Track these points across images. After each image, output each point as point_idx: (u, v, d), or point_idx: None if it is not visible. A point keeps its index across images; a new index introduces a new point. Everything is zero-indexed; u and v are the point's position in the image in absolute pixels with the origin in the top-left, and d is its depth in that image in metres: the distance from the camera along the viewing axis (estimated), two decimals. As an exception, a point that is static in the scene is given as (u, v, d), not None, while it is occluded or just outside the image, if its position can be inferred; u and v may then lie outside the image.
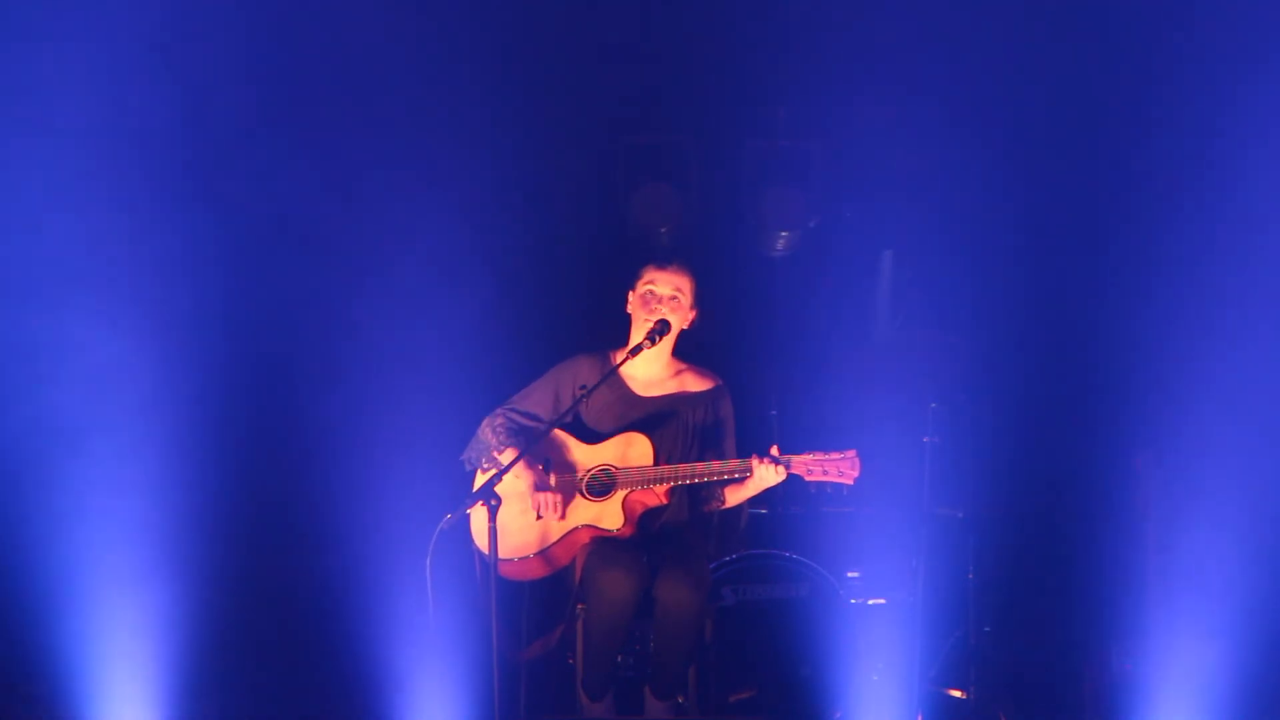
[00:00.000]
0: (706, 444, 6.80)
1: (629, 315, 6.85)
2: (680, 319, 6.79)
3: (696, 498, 6.80)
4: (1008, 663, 7.60)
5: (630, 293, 6.85)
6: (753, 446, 6.82)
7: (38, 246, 7.38)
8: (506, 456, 6.66)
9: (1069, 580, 7.74)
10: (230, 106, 7.59)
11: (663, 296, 6.77)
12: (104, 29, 7.35)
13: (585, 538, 6.65)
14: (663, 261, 6.83)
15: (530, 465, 6.64)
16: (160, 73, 7.46)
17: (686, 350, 6.91)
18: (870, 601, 7.39)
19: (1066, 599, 7.73)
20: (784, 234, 8.16)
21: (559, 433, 6.72)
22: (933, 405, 7.37)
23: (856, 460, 6.56)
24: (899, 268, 8.09)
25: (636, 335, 6.78)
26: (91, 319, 7.38)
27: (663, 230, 8.07)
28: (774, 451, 6.58)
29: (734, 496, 6.78)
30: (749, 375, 7.63)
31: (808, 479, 6.59)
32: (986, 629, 7.53)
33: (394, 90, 7.70)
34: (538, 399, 6.80)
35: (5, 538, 7.27)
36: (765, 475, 6.57)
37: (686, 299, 6.79)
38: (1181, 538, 7.27)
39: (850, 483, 6.57)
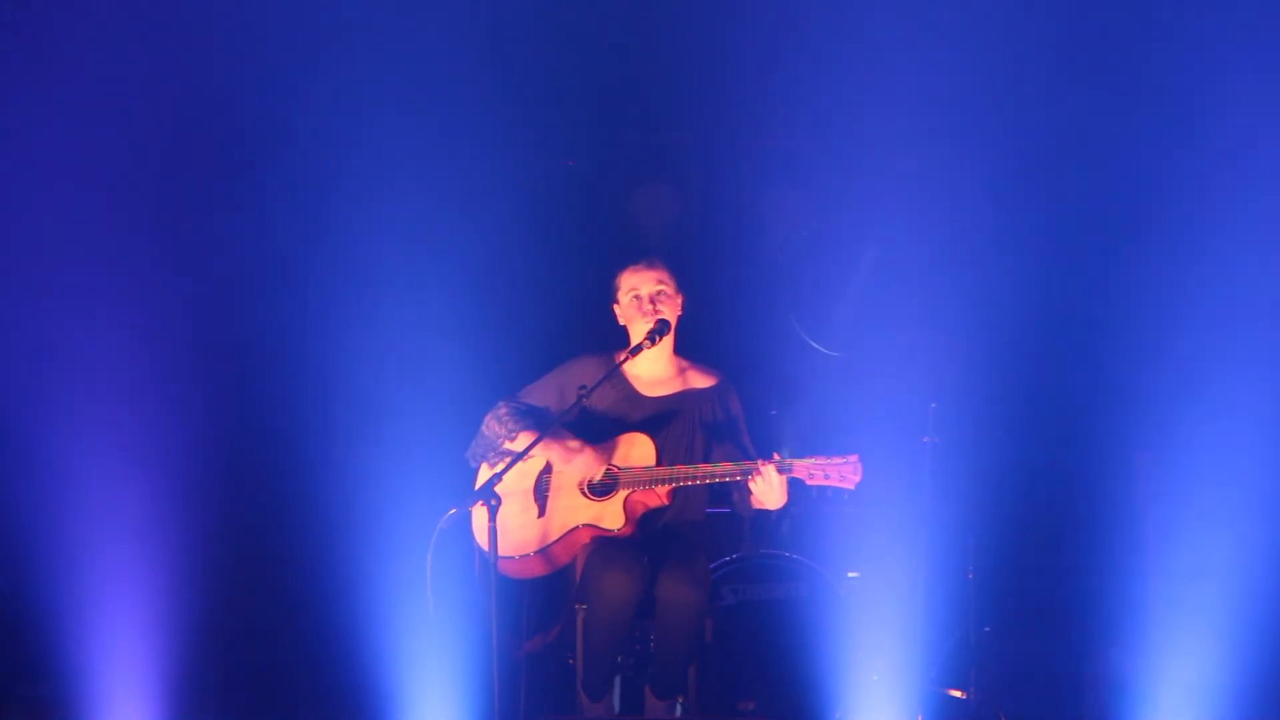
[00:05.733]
0: (716, 442, 6.78)
1: (623, 326, 6.86)
2: (673, 311, 6.80)
3: (732, 504, 6.76)
4: (1008, 663, 7.60)
5: (615, 305, 6.85)
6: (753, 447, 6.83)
7: (35, 242, 7.39)
8: (520, 441, 6.64)
9: (1068, 579, 7.74)
10: (231, 110, 7.60)
11: (652, 295, 6.77)
12: (88, 50, 7.37)
13: (586, 537, 6.65)
14: (635, 263, 6.83)
15: (556, 439, 6.64)
16: (158, 70, 7.47)
17: (687, 351, 6.91)
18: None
19: (1066, 598, 7.73)
20: (784, 234, 8.16)
21: (562, 432, 6.72)
22: (933, 405, 7.37)
23: (859, 465, 6.55)
24: (880, 264, 8.07)
25: (637, 336, 6.78)
26: (92, 315, 7.38)
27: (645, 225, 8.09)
28: (776, 457, 6.58)
29: (758, 504, 6.71)
30: (750, 375, 7.62)
31: (809, 483, 6.58)
32: (986, 629, 7.53)
33: (396, 90, 7.71)
34: (540, 397, 6.80)
35: (4, 538, 7.27)
36: (767, 479, 6.53)
37: (671, 288, 6.80)
38: (1181, 537, 7.27)
39: (852, 488, 6.57)
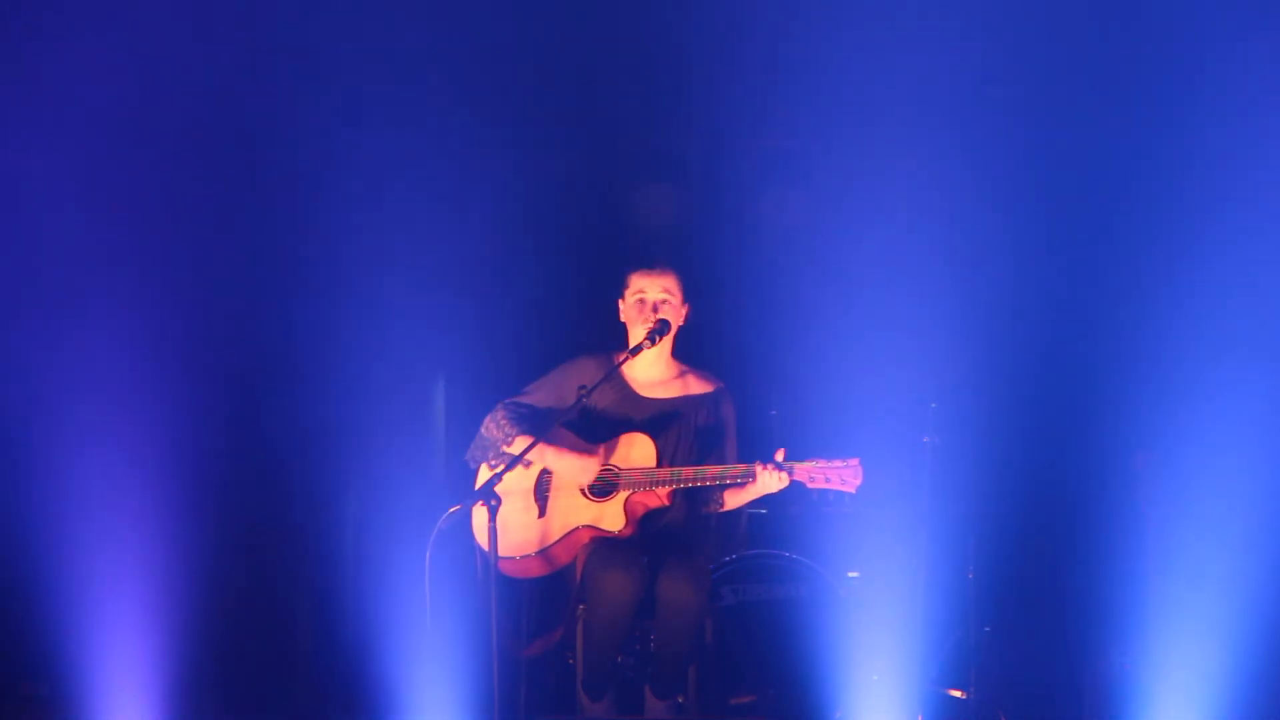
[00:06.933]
0: (707, 446, 6.80)
1: (624, 325, 6.87)
2: (676, 317, 6.80)
3: (695, 500, 6.80)
4: (1008, 663, 7.60)
5: (620, 302, 6.86)
6: (753, 447, 6.82)
7: (34, 245, 7.39)
8: (518, 445, 6.65)
9: (1068, 580, 7.74)
10: (231, 110, 7.60)
11: (655, 301, 6.77)
12: (92, 38, 7.37)
13: (586, 538, 6.65)
14: (646, 266, 6.83)
15: (548, 444, 6.64)
16: (159, 74, 7.47)
17: (686, 350, 6.92)
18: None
19: (1066, 599, 7.73)
20: (784, 234, 8.17)
21: (562, 431, 6.72)
22: (933, 405, 7.37)
23: (860, 469, 6.57)
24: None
25: (636, 339, 6.79)
26: (89, 319, 7.38)
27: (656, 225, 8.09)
28: (778, 458, 6.59)
29: (734, 500, 6.79)
30: (749, 375, 7.63)
31: (810, 486, 6.60)
32: (986, 629, 7.53)
33: (397, 91, 7.71)
34: (541, 397, 6.80)
35: (5, 538, 7.27)
36: (768, 482, 6.57)
37: (677, 297, 6.81)
38: (1181, 537, 7.26)
39: (853, 491, 6.58)
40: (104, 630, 7.01)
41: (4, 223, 7.38)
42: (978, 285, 7.88)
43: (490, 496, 6.08)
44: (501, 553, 6.35)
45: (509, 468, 6.31)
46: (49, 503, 7.24)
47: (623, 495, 6.64)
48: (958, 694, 7.46)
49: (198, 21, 7.51)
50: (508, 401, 6.80)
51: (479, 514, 6.52)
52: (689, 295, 6.84)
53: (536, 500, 6.71)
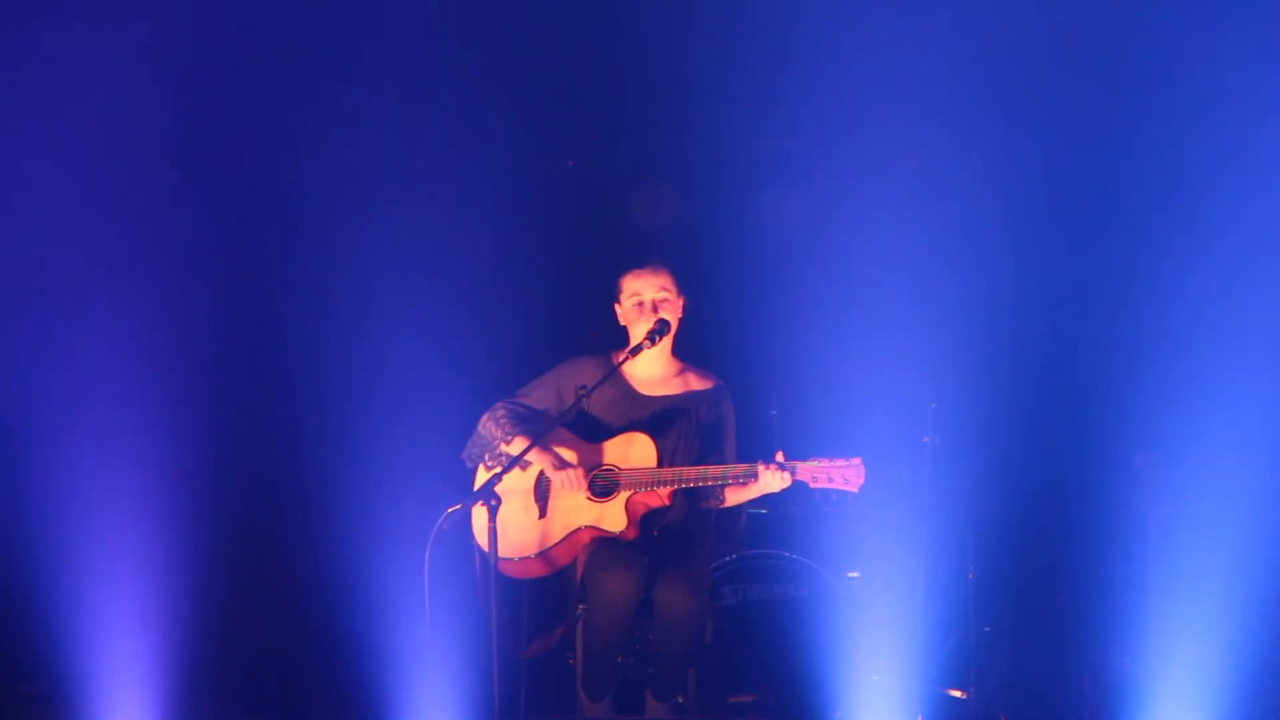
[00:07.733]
0: (708, 444, 6.79)
1: (623, 326, 6.87)
2: (674, 314, 6.80)
3: (695, 496, 6.80)
4: (1008, 663, 7.60)
5: (616, 305, 6.85)
6: (753, 446, 6.82)
7: (34, 245, 7.39)
8: (516, 445, 6.64)
9: (1069, 580, 7.74)
10: (229, 110, 7.60)
11: (654, 301, 6.77)
12: (97, 29, 7.37)
13: (586, 538, 6.65)
14: (639, 266, 6.83)
15: (546, 448, 6.63)
16: (155, 77, 7.47)
17: (686, 350, 6.91)
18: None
19: (1066, 599, 7.73)
20: (782, 233, 8.17)
21: (561, 431, 6.72)
22: (933, 405, 7.37)
23: (862, 468, 6.57)
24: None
25: (636, 338, 6.78)
26: (91, 320, 7.38)
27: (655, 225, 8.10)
28: (779, 458, 6.58)
29: (734, 498, 6.79)
30: (749, 375, 7.62)
31: (812, 485, 6.60)
32: (986, 629, 7.53)
33: (395, 90, 7.71)
34: (539, 397, 6.80)
35: (5, 538, 7.27)
36: (770, 481, 6.57)
37: (674, 293, 6.81)
38: (1181, 537, 7.26)
39: (855, 490, 6.58)
40: (104, 630, 7.01)
41: (4, 223, 7.38)
42: (978, 285, 7.88)
43: (490, 496, 6.08)
44: (501, 553, 6.35)
45: (507, 469, 6.31)
46: (49, 503, 7.24)
47: (624, 495, 6.64)
48: (958, 694, 7.45)
49: (198, 21, 7.51)
50: (508, 401, 6.80)
51: (479, 514, 6.52)
52: (684, 288, 6.84)
53: (537, 501, 6.70)
